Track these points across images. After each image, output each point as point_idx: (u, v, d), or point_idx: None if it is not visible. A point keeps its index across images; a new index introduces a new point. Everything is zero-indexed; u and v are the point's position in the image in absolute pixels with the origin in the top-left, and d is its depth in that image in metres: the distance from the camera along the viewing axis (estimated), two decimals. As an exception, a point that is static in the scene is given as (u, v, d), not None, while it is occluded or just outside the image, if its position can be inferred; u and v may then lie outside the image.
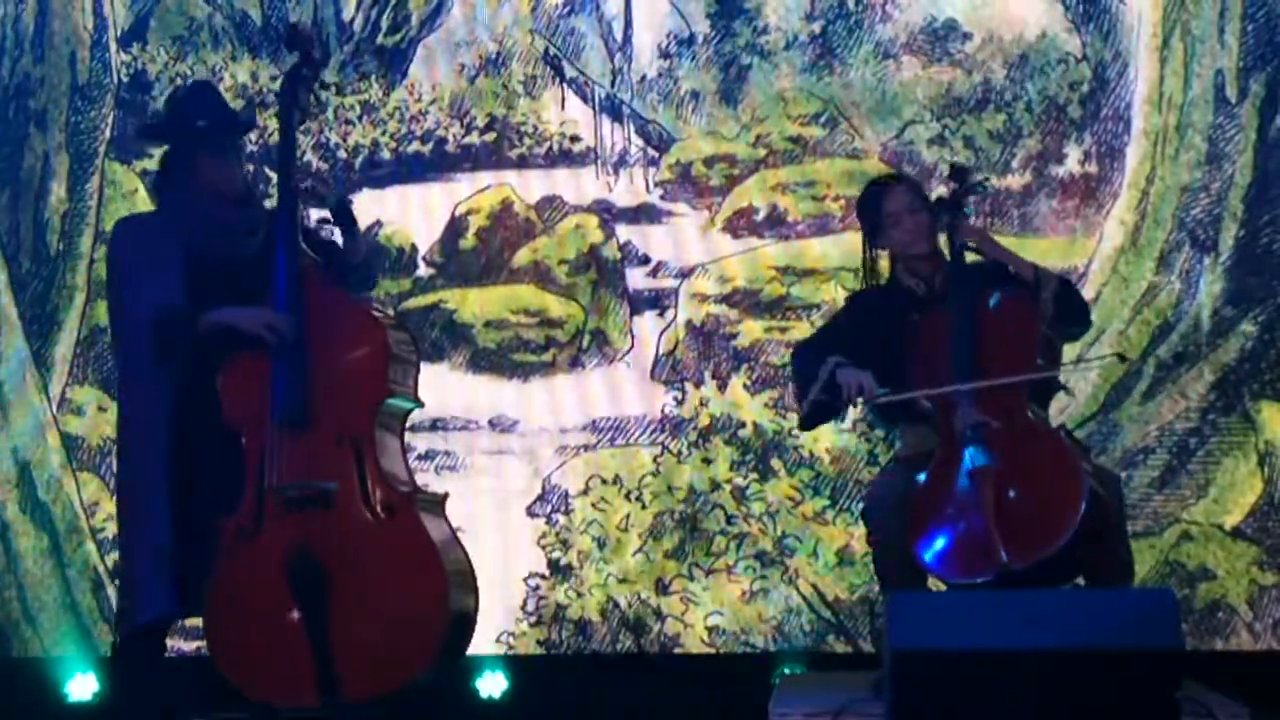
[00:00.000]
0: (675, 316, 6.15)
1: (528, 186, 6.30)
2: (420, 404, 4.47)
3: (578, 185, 6.26)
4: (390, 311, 5.77)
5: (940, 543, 4.30)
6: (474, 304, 6.27)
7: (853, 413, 4.76)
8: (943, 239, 4.65)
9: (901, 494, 4.41)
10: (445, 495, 4.43)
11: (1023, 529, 4.19)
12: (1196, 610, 5.75)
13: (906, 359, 4.52)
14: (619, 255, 6.22)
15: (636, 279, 6.20)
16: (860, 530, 5.86)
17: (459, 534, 4.47)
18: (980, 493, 4.24)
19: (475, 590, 4.35)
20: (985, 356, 4.40)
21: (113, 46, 6.51)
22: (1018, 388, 4.39)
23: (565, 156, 6.28)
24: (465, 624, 4.30)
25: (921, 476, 4.40)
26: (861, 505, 4.75)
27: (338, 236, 4.68)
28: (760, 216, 6.14)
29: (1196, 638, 5.70)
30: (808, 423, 4.67)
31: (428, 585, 4.15)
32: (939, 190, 4.85)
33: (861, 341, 4.55)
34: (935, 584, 4.73)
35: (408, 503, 4.25)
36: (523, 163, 6.31)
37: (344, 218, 4.64)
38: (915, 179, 4.92)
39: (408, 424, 4.60)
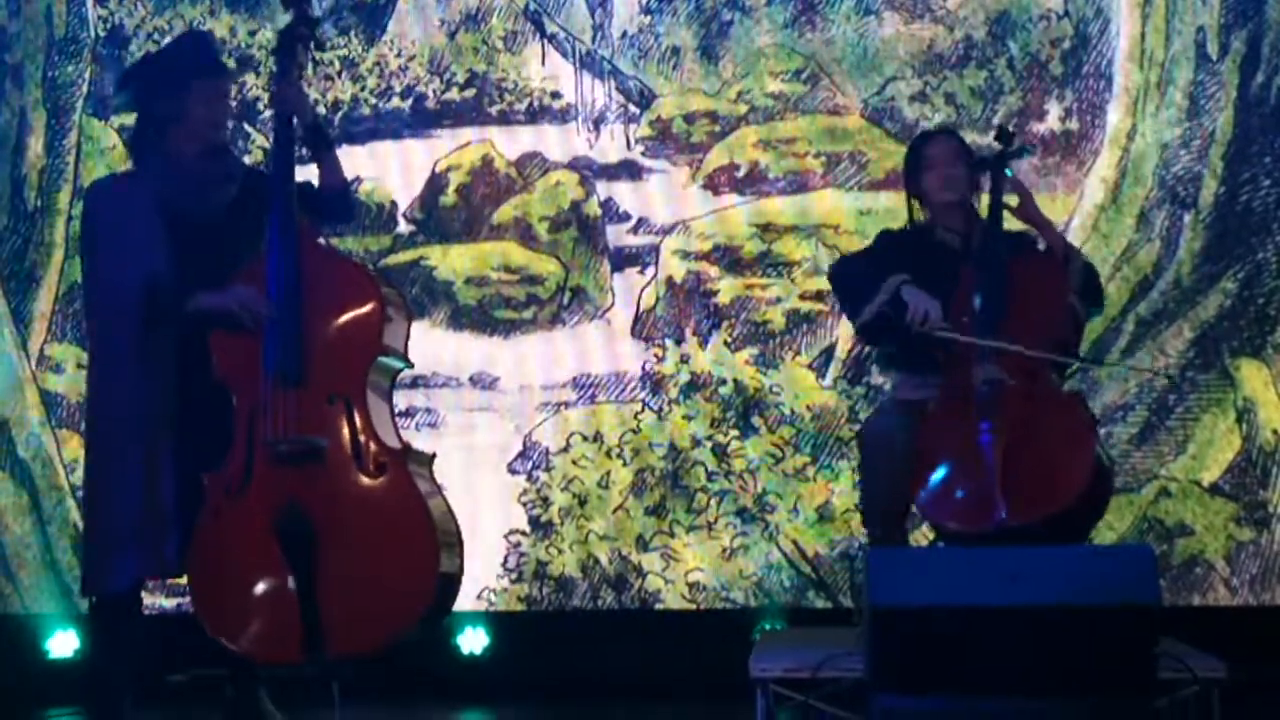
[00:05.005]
0: (656, 273, 6.15)
1: (508, 143, 6.28)
2: (410, 364, 4.45)
3: (558, 142, 6.24)
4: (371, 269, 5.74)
5: (942, 490, 4.33)
6: (454, 261, 6.25)
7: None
8: (983, 199, 4.63)
9: (900, 434, 4.43)
10: (433, 455, 4.43)
11: (1026, 489, 4.21)
12: (1174, 566, 5.78)
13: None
14: (599, 212, 6.20)
15: (617, 236, 6.19)
16: (840, 486, 5.91)
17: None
18: (990, 448, 4.26)
19: (461, 549, 4.34)
20: (1015, 314, 4.40)
21: (89, 1, 6.45)
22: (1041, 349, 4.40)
23: (546, 113, 6.25)
24: (452, 583, 4.29)
25: (923, 422, 4.42)
26: (858, 436, 4.76)
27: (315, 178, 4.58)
28: (741, 173, 6.13)
29: (1174, 593, 5.73)
30: (867, 333, 4.65)
31: (417, 544, 4.13)
32: (984, 149, 4.84)
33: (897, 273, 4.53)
34: (918, 536, 4.76)
35: (399, 461, 4.24)
36: (503, 119, 6.29)
37: (319, 138, 4.51)
38: (960, 137, 4.89)
39: (391, 381, 4.60)
